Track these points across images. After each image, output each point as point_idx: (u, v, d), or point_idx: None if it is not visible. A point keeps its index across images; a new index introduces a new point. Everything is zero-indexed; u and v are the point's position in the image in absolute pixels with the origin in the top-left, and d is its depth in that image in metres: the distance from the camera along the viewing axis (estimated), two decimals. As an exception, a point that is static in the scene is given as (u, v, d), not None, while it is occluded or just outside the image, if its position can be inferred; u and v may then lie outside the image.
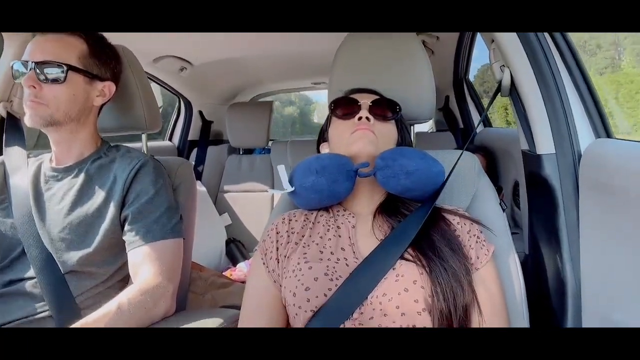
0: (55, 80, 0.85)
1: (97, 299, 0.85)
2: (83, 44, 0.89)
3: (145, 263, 0.83)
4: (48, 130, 0.90)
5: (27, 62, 0.84)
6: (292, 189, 0.75)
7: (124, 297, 0.77)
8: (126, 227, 0.87)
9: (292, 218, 0.76)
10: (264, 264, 0.71)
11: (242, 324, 0.71)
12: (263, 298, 0.70)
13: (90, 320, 0.73)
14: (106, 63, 0.93)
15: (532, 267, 0.94)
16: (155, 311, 0.80)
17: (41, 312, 0.82)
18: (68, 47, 0.87)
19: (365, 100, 0.78)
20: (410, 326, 0.60)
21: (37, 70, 0.83)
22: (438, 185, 0.74)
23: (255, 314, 0.70)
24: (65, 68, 0.85)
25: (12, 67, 0.88)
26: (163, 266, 0.84)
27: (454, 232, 0.69)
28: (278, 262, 0.70)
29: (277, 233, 0.74)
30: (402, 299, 0.60)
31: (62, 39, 0.87)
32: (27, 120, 0.86)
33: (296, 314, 0.64)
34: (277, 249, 0.72)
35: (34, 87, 0.84)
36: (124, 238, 0.87)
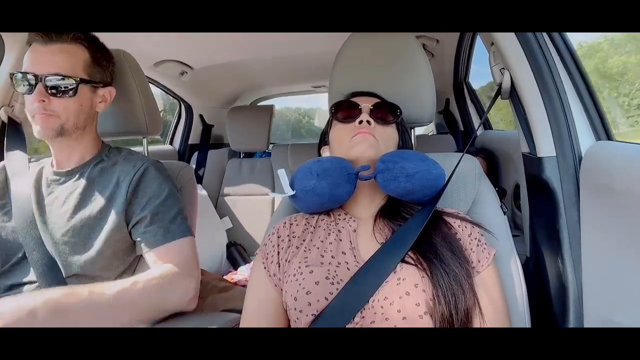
0: (65, 94, 0.84)
1: (99, 303, 0.85)
2: (85, 53, 0.88)
3: (166, 261, 0.84)
4: (55, 140, 0.89)
5: (32, 74, 0.83)
6: (293, 192, 0.75)
7: (142, 276, 0.79)
8: (142, 229, 0.87)
9: (293, 222, 0.76)
10: (264, 268, 0.71)
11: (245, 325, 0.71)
12: (264, 302, 0.70)
13: (105, 287, 0.75)
14: (106, 68, 0.94)
15: (534, 270, 0.94)
16: (171, 297, 0.81)
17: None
18: (73, 58, 0.86)
19: (366, 104, 0.78)
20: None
21: (47, 85, 0.83)
22: (438, 188, 0.73)
23: (256, 318, 0.70)
24: (76, 82, 0.85)
25: (12, 77, 0.86)
26: (184, 262, 0.85)
27: (455, 235, 0.69)
28: (279, 267, 0.70)
29: (278, 237, 0.74)
30: (404, 302, 0.60)
31: (65, 50, 0.86)
32: (38, 133, 0.85)
33: (297, 318, 0.64)
34: (278, 253, 0.72)
35: (44, 100, 0.83)
36: (139, 239, 0.87)
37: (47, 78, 0.83)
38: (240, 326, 0.72)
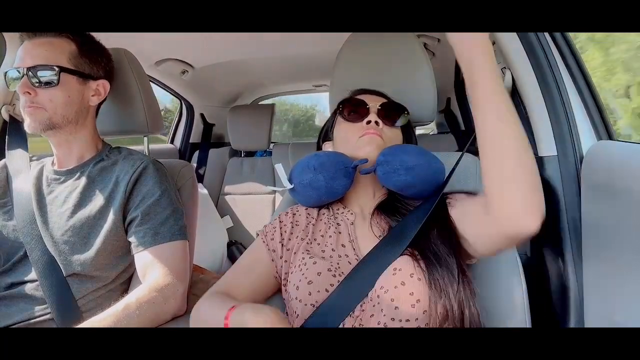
0: (48, 84, 0.84)
1: (99, 302, 0.86)
2: (71, 45, 0.88)
3: (154, 264, 0.84)
4: (48, 135, 0.90)
5: (19, 68, 0.84)
6: (291, 186, 0.76)
7: (132, 296, 0.78)
8: (133, 229, 0.87)
9: (296, 212, 0.78)
10: (263, 242, 0.74)
11: (227, 279, 0.73)
12: (255, 263, 0.73)
13: (97, 320, 0.73)
14: (97, 61, 0.93)
15: (534, 269, 0.94)
16: (165, 309, 0.81)
17: (43, 315, 0.82)
18: (57, 49, 0.86)
19: (373, 103, 0.78)
20: (407, 319, 0.59)
21: (30, 75, 0.83)
22: (438, 183, 0.73)
23: (242, 273, 0.73)
24: (57, 70, 0.85)
25: (5, 75, 0.87)
26: (172, 267, 0.85)
27: (452, 224, 0.69)
28: (282, 246, 0.72)
29: (280, 222, 0.76)
30: (399, 292, 0.60)
31: (50, 42, 0.86)
32: (27, 127, 0.86)
33: (296, 309, 0.64)
34: (281, 234, 0.73)
35: (29, 92, 0.84)
36: (130, 240, 0.87)
37: (30, 69, 0.83)
38: (223, 277, 0.74)
